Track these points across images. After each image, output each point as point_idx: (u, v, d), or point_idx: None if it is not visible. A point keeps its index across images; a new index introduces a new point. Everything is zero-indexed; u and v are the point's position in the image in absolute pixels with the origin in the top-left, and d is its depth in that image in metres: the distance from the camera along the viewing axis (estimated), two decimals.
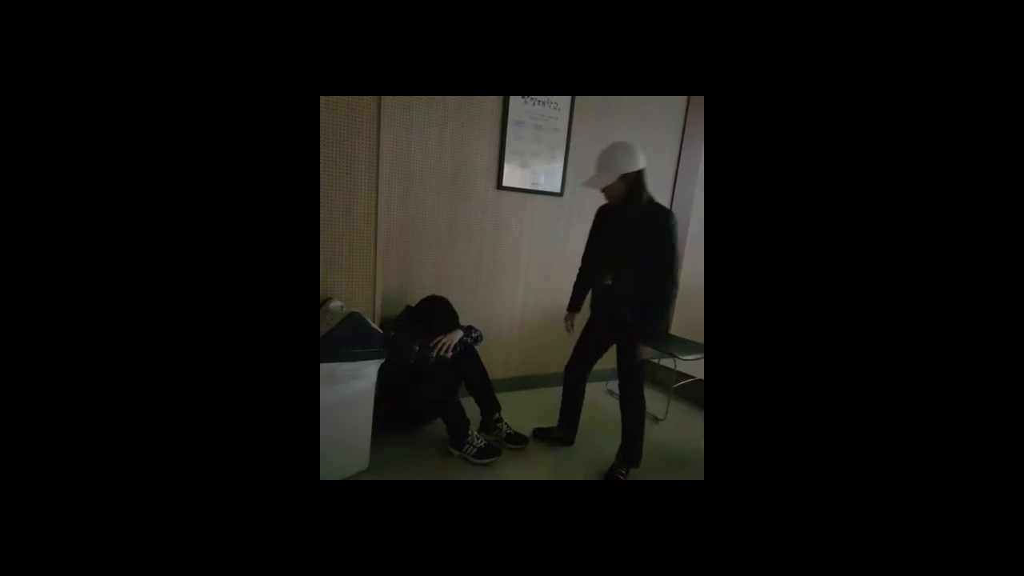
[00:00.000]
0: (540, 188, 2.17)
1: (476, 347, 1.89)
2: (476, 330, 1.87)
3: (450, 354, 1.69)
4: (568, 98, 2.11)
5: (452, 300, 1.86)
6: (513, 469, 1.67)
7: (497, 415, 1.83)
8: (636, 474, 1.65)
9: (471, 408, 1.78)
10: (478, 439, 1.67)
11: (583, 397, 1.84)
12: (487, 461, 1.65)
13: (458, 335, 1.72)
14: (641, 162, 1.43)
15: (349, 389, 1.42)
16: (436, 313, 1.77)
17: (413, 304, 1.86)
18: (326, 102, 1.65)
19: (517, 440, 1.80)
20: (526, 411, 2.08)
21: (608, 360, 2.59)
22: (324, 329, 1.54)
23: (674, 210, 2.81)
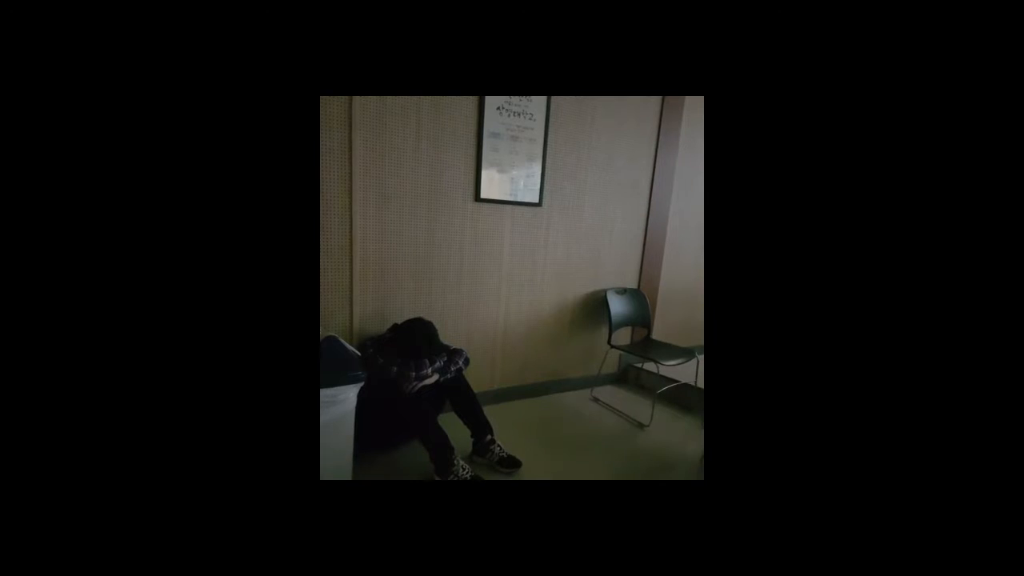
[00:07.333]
0: (518, 199, 2.16)
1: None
2: (463, 353, 1.82)
3: (429, 381, 1.64)
4: (543, 108, 2.11)
5: (434, 314, 1.83)
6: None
7: (489, 437, 1.77)
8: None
9: (459, 430, 1.73)
10: (463, 469, 1.59)
11: None
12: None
13: (433, 378, 1.66)
14: None
15: (327, 416, 1.37)
16: (418, 337, 1.71)
17: (400, 322, 1.81)
18: None
19: (509, 464, 1.72)
20: (512, 423, 2.06)
21: (590, 367, 2.62)
22: None
23: (650, 217, 2.87)
